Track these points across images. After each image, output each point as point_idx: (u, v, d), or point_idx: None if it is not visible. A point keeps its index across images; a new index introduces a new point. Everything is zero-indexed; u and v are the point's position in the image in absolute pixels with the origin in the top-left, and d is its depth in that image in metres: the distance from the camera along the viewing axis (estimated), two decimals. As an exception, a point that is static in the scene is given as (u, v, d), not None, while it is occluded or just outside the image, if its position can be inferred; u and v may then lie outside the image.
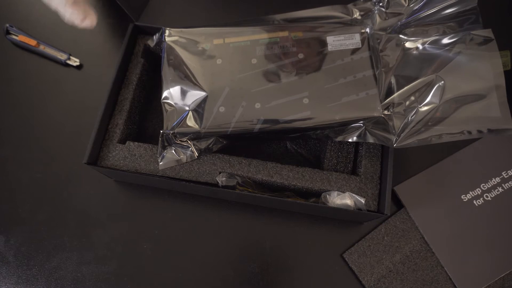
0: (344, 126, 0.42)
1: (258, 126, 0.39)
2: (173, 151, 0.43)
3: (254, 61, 0.41)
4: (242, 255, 0.46)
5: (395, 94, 0.40)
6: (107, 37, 0.58)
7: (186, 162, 0.43)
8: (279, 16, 0.45)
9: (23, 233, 0.47)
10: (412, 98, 0.40)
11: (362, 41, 0.41)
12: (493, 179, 0.49)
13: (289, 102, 0.40)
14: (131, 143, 0.45)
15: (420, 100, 0.39)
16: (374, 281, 0.45)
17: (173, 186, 0.46)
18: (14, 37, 0.56)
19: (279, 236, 0.47)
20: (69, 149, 0.51)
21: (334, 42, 0.42)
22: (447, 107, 0.39)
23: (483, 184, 0.48)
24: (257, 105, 0.40)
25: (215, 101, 0.40)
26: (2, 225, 0.47)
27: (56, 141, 0.51)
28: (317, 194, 0.43)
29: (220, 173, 0.43)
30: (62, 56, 0.55)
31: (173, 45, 0.42)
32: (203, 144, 0.42)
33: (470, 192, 0.48)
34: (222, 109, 0.40)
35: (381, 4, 0.43)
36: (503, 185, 0.48)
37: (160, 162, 0.43)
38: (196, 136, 0.41)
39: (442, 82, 0.39)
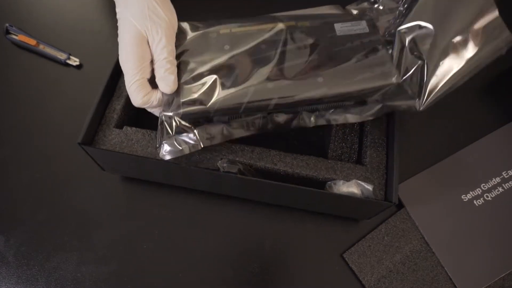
0: (361, 104, 0.41)
1: (273, 102, 0.38)
2: (174, 141, 0.39)
3: (263, 46, 0.40)
4: (242, 255, 0.46)
5: (406, 60, 0.40)
6: (107, 37, 0.58)
7: (189, 152, 0.39)
8: (279, 14, 0.45)
9: (23, 233, 0.47)
10: (422, 58, 0.39)
11: (369, 27, 0.41)
12: (493, 179, 0.49)
13: (303, 81, 0.39)
14: (128, 128, 0.44)
15: (429, 57, 0.39)
16: (374, 281, 0.45)
17: (170, 171, 0.44)
18: (14, 36, 0.56)
19: (279, 236, 0.47)
20: (69, 149, 0.51)
21: (342, 28, 0.41)
22: (456, 49, 0.39)
23: (483, 184, 0.48)
24: (270, 85, 0.38)
25: (225, 81, 0.38)
26: (2, 225, 0.47)
27: (56, 141, 0.51)
28: (321, 185, 0.42)
29: (221, 159, 0.42)
30: (62, 56, 0.55)
31: (179, 32, 0.41)
32: (207, 132, 0.40)
33: (470, 192, 0.48)
34: (232, 89, 0.38)
35: (376, 5, 0.43)
36: (503, 185, 0.48)
37: (160, 153, 0.39)
38: (204, 116, 0.39)
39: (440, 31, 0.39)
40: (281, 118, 0.41)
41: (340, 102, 0.40)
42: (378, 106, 0.41)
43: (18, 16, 0.59)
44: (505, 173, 0.49)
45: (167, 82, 0.38)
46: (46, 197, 0.49)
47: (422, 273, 0.45)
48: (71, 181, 0.49)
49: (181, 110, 0.37)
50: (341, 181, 0.41)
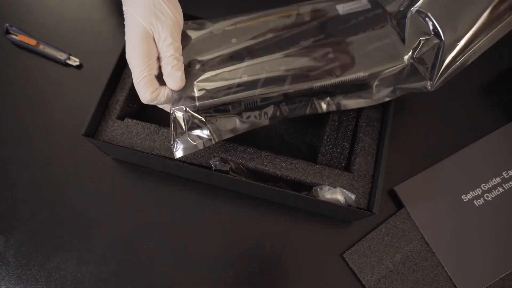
0: (370, 87, 0.41)
1: (287, 85, 0.38)
2: (188, 137, 0.38)
3: (269, 35, 0.41)
4: (242, 255, 0.46)
5: (418, 39, 0.39)
6: (107, 37, 0.58)
7: (203, 148, 0.39)
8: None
9: (23, 233, 0.47)
10: (439, 37, 0.39)
11: (371, 2, 0.42)
12: (493, 179, 0.49)
13: (315, 59, 0.39)
14: (129, 120, 0.45)
15: (446, 35, 0.38)
16: (375, 281, 0.45)
17: (166, 166, 0.46)
18: (14, 36, 0.56)
19: (279, 236, 0.47)
20: (69, 149, 0.51)
21: (344, 8, 0.42)
22: (471, 26, 0.38)
23: (483, 184, 0.48)
24: (282, 67, 0.39)
25: (235, 72, 0.39)
26: (2, 225, 0.47)
27: (56, 141, 0.51)
28: (309, 188, 0.43)
29: (214, 157, 0.43)
30: (62, 56, 0.55)
31: (186, 30, 0.42)
32: (220, 126, 0.40)
33: (471, 192, 0.48)
34: (245, 77, 0.39)
35: None
36: (503, 185, 0.48)
37: (175, 151, 0.38)
38: (220, 105, 0.39)
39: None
40: (292, 106, 0.40)
41: (350, 84, 0.40)
42: (390, 89, 0.40)
43: (18, 16, 0.59)
44: (505, 173, 0.49)
45: (174, 78, 0.38)
46: (46, 197, 0.49)
47: (422, 273, 0.45)
48: (71, 181, 0.49)
49: (197, 103, 0.37)
50: (327, 187, 0.42)
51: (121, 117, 0.46)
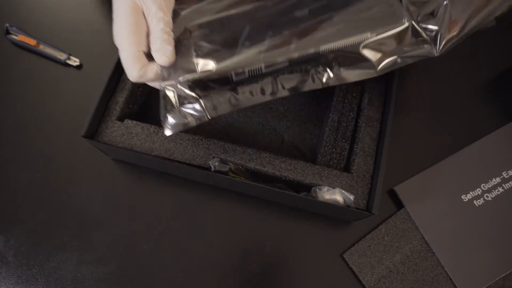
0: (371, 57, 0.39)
1: (292, 49, 0.36)
2: (179, 113, 0.36)
3: (268, 3, 0.40)
4: (242, 255, 0.46)
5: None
6: (107, 37, 0.58)
7: (196, 125, 0.37)
8: None
9: (23, 233, 0.47)
10: None
11: None
12: (493, 179, 0.49)
13: (317, 22, 0.38)
14: (129, 121, 0.45)
15: None
16: (374, 281, 0.45)
17: (165, 166, 0.46)
18: (14, 37, 0.56)
19: (280, 236, 0.47)
20: (69, 149, 0.51)
21: None
22: None
23: (483, 184, 0.48)
24: (285, 32, 0.37)
25: (236, 40, 0.37)
26: (2, 225, 0.47)
27: (56, 141, 0.51)
28: (308, 189, 0.44)
29: (213, 157, 0.43)
30: (62, 56, 0.55)
31: (177, 8, 0.40)
32: (213, 102, 0.37)
33: (470, 192, 0.48)
34: (247, 43, 0.36)
35: None
36: (503, 185, 0.48)
37: (165, 128, 0.36)
38: (222, 73, 0.36)
39: None
40: (291, 81, 0.38)
41: (350, 51, 0.38)
42: (393, 58, 0.38)
43: (18, 16, 0.59)
44: (505, 173, 0.49)
45: (163, 52, 0.35)
46: (46, 197, 0.49)
47: (422, 273, 0.45)
48: (71, 181, 0.49)
49: (199, 71, 0.35)
50: (326, 188, 0.42)
51: (121, 118, 0.46)
